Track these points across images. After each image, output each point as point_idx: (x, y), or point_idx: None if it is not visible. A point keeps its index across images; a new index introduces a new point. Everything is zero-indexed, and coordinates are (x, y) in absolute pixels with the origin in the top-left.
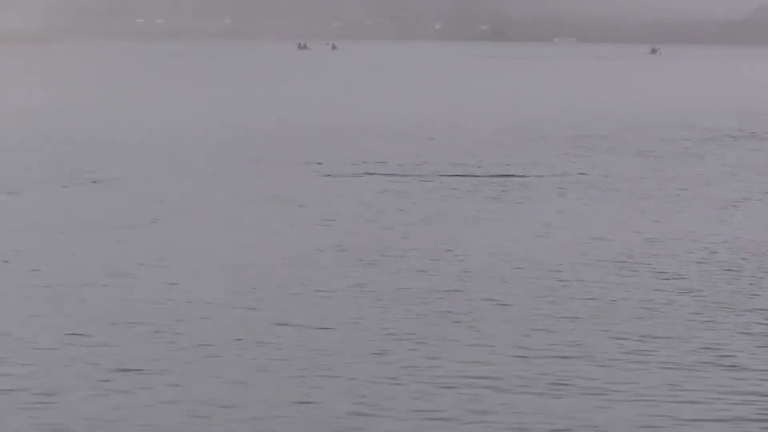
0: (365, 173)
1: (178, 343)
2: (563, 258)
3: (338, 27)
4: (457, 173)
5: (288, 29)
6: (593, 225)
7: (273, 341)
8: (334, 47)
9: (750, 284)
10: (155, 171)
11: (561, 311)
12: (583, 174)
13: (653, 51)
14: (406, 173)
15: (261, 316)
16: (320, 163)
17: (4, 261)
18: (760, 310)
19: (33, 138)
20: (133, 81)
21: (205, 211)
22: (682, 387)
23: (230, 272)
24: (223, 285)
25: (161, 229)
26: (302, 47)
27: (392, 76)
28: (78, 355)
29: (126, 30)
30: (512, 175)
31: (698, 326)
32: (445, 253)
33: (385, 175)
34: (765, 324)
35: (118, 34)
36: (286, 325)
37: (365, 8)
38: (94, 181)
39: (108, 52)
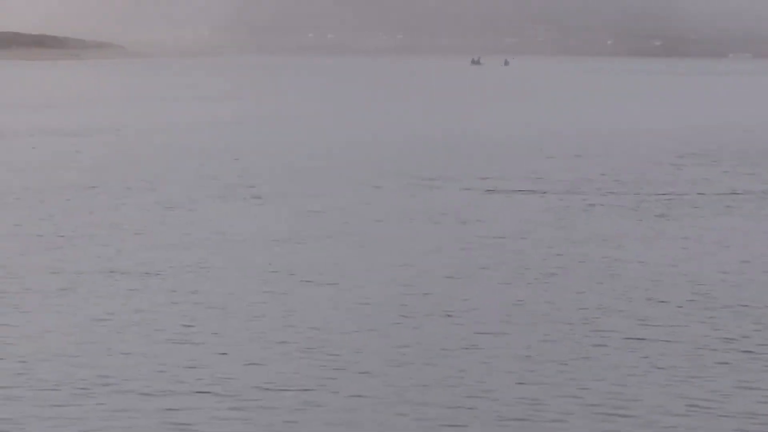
0: (529, 190)
1: (344, 360)
2: (729, 278)
3: (511, 43)
4: (620, 191)
5: (460, 44)
6: (761, 245)
7: (423, 358)
8: (506, 63)
9: None
10: (321, 185)
11: (729, 334)
12: (750, 192)
13: None
14: (569, 190)
15: (418, 334)
16: (485, 179)
17: (148, 273)
18: None
19: (214, 149)
20: (304, 96)
21: (368, 226)
22: None
23: (394, 288)
24: (387, 302)
25: (321, 245)
26: (476, 62)
27: (562, 91)
28: (231, 372)
29: (296, 45)
30: (677, 193)
31: None
32: (606, 272)
33: (548, 193)
34: None
35: (288, 49)
36: (442, 340)
37: (537, 24)
38: (256, 197)
39: (278, 67)
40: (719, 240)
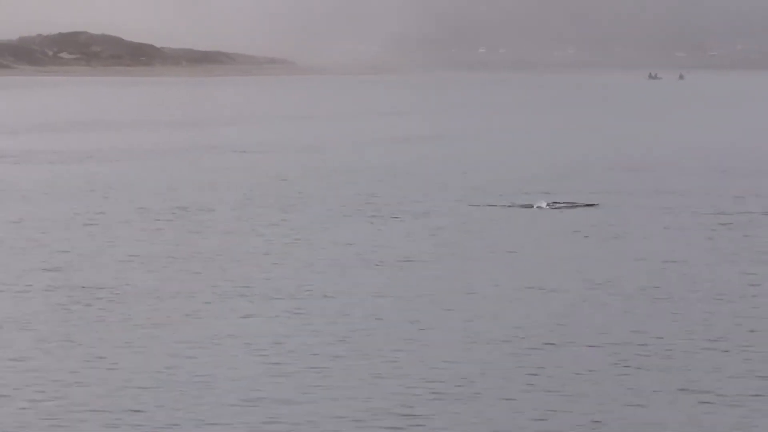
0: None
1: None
2: None
3: (681, 57)
4: None
5: (632, 59)
6: None
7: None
8: (681, 77)
9: None
10: (466, 201)
11: None
12: None
13: None
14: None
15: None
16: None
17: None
18: None
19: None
20: (483, 112)
21: (508, 246)
22: None
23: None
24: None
25: (456, 265)
26: (653, 77)
27: (739, 107)
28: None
29: (468, 60)
30: None
31: None
32: None
33: (711, 214)
34: None
35: (460, 64)
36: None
37: (709, 37)
38: (395, 217)
39: (454, 82)
40: None
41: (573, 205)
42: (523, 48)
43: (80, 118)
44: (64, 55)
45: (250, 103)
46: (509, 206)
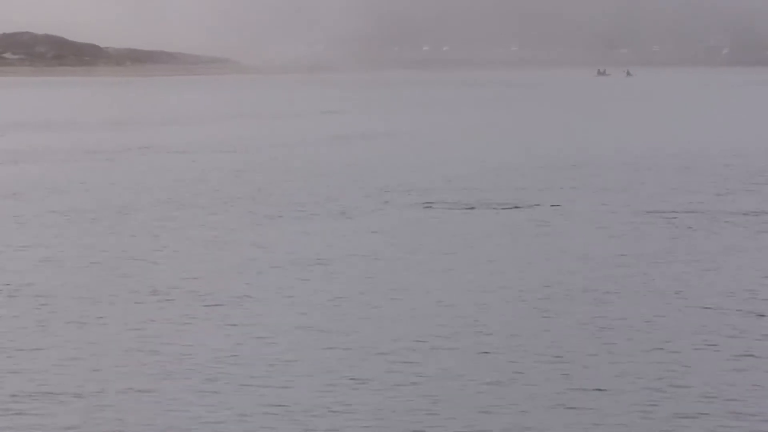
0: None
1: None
2: None
3: (625, 53)
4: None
5: (574, 56)
6: None
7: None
8: (629, 73)
9: None
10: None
11: None
12: None
13: None
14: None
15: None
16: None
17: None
18: None
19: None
20: (424, 110)
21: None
22: None
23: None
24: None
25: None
26: (602, 73)
27: (686, 103)
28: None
29: (412, 58)
30: None
31: None
32: None
33: (674, 212)
34: None
35: (404, 63)
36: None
37: (651, 35)
38: (426, 205)
39: (397, 81)
40: None
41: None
42: (467, 46)
43: (17, 119)
44: (7, 55)
45: (190, 102)
46: (439, 206)
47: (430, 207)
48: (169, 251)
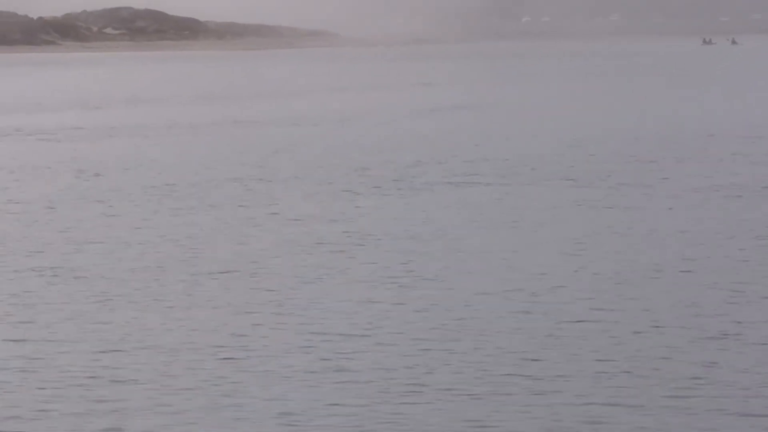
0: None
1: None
2: None
3: (726, 22)
4: None
5: (672, 25)
6: None
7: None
8: (734, 42)
9: None
10: (547, 176)
11: None
12: None
13: None
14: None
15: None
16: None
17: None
18: None
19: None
20: (525, 82)
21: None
22: None
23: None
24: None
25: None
26: (707, 42)
27: None
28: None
29: (512, 30)
30: None
31: None
32: None
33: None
34: None
35: (504, 34)
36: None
37: (752, 2)
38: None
39: (497, 53)
40: None
41: None
42: (568, 16)
43: (120, 94)
44: (108, 30)
45: (288, 75)
46: (522, 181)
47: (510, 184)
48: (253, 224)
